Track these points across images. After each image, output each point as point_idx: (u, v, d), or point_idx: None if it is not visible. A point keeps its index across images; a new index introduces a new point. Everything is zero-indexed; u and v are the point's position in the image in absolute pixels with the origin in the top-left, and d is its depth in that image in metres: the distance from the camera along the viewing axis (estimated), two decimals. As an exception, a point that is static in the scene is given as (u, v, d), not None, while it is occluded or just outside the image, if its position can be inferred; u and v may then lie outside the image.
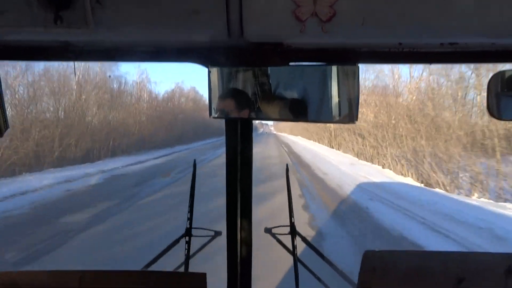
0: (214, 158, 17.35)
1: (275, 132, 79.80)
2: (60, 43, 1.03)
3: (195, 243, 1.47)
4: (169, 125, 27.11)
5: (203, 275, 1.06)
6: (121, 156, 18.81)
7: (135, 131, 21.68)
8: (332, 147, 25.85)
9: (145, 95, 26.19)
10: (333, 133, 25.64)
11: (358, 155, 18.87)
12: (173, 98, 31.94)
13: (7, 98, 12.56)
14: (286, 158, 16.87)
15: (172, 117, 28.66)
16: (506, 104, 1.07)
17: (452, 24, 0.88)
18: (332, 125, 22.99)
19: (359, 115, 0.98)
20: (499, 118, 1.10)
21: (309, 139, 35.51)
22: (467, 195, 9.56)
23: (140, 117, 23.24)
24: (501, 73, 1.07)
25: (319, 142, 30.44)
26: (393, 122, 12.59)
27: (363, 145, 17.44)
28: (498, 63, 1.43)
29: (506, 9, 0.83)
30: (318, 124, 27.61)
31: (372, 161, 16.48)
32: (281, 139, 42.62)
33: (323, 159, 17.15)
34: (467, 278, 0.99)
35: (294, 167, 13.54)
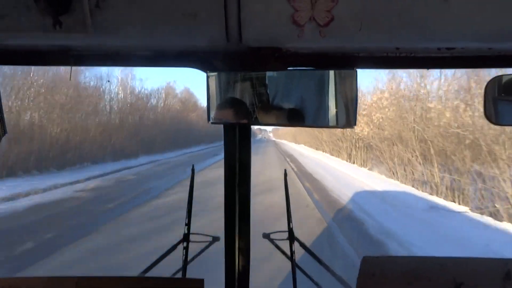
0: (172, 186, 9.84)
1: (274, 139, 72.41)
2: (59, 48, 1.06)
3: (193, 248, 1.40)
4: (139, 129, 21.92)
5: (201, 281, 1.07)
6: (21, 177, 11.36)
7: (63, 136, 14.31)
8: (354, 163, 18.52)
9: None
10: (356, 144, 18.25)
11: (408, 181, 11.51)
12: (153, 98, 27.54)
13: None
14: (299, 187, 9.32)
15: (148, 120, 24.30)
16: (503, 109, 1.08)
17: (449, 29, 0.89)
18: (356, 133, 15.95)
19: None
20: (496, 123, 1.11)
21: (317, 149, 27.97)
22: None
23: (80, 117, 15.89)
24: (498, 78, 1.09)
25: (331, 154, 22.99)
26: None
27: (432, 169, 9.90)
28: (495, 68, 1.22)
29: (503, 14, 0.84)
30: (333, 131, 20.25)
31: (446, 197, 9.11)
32: (283, 148, 34.97)
33: (368, 193, 9.55)
34: (465, 283, 1.00)
35: (321, 226, 5.99)
